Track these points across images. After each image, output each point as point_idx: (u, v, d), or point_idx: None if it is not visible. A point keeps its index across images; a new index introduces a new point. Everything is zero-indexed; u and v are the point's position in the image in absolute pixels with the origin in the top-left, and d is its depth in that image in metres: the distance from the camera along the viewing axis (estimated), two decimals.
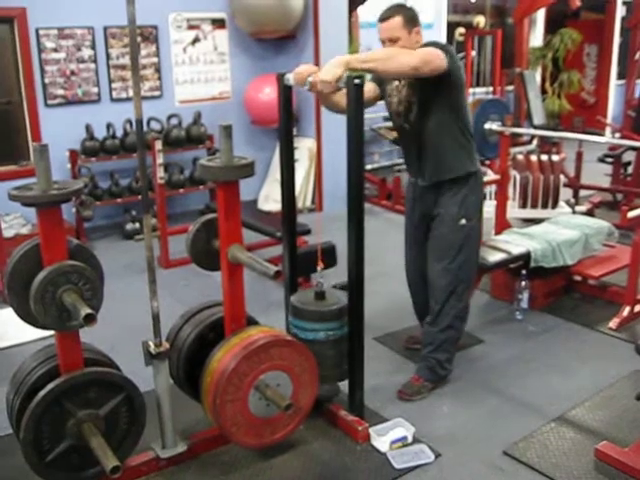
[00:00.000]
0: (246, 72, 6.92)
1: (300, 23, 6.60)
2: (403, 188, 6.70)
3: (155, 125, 6.21)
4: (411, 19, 3.06)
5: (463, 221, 3.20)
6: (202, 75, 6.78)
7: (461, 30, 9.33)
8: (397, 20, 3.03)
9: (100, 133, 5.98)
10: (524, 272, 4.19)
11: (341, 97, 2.94)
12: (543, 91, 10.04)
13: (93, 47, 6.11)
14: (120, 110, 6.13)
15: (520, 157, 6.20)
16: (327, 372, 2.97)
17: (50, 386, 2.39)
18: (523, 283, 4.20)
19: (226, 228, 2.66)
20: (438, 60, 2.88)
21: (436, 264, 3.26)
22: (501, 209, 4.91)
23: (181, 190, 6.40)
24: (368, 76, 3.01)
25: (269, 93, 6.37)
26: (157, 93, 6.54)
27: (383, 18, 3.07)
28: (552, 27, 10.48)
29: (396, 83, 3.20)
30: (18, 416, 2.46)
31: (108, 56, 6.21)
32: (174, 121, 6.34)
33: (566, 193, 6.41)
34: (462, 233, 3.21)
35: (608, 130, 9.62)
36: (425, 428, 3.04)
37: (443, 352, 3.35)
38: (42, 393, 2.37)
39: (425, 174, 3.26)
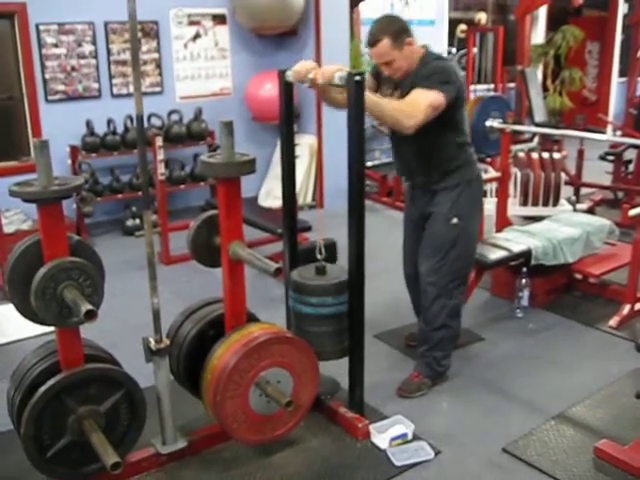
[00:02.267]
0: (247, 68, 6.91)
1: (301, 19, 6.59)
2: (403, 185, 6.70)
3: (156, 121, 6.20)
4: (398, 34, 3.00)
5: (455, 220, 3.20)
6: (203, 71, 6.77)
7: (463, 27, 9.30)
8: (385, 43, 2.99)
9: (101, 129, 5.98)
10: (525, 270, 4.19)
11: (341, 93, 2.94)
12: (544, 88, 10.02)
13: (94, 43, 6.10)
14: (121, 106, 6.12)
15: (521, 154, 6.19)
16: (327, 348, 2.97)
17: (51, 382, 2.39)
18: (524, 281, 4.19)
19: (227, 225, 2.66)
20: (437, 110, 2.91)
21: (426, 262, 3.27)
22: (502, 206, 4.91)
23: (182, 186, 6.40)
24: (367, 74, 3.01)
25: (270, 89, 6.35)
26: (158, 89, 6.53)
27: (370, 43, 3.04)
28: (554, 24, 10.45)
29: (390, 91, 3.19)
30: (19, 412, 2.46)
31: (109, 52, 6.20)
32: (175, 117, 6.33)
33: (567, 191, 6.40)
34: (453, 232, 3.21)
35: (609, 128, 9.60)
36: (425, 425, 3.05)
37: (439, 350, 3.36)
38: (43, 389, 2.38)
39: (419, 180, 3.30)
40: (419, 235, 3.38)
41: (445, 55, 3.27)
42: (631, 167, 6.92)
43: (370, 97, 2.80)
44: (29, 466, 2.45)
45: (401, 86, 3.11)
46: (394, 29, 3.01)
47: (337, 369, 3.18)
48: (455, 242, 3.21)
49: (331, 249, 4.18)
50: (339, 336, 2.98)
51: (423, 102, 2.87)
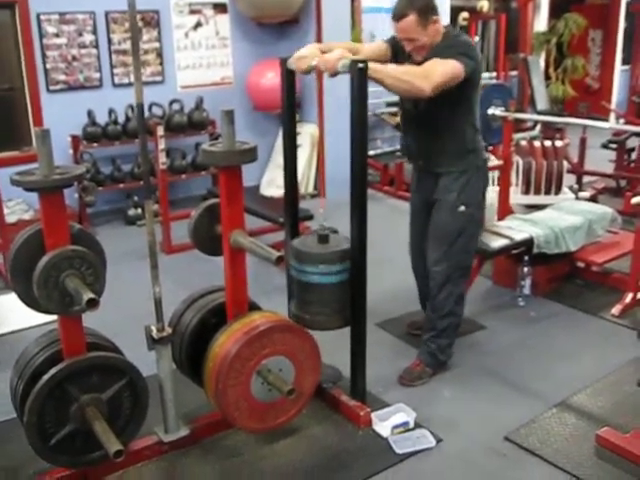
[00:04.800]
0: (248, 57, 6.89)
1: (302, 7, 6.56)
2: (406, 174, 6.68)
3: (157, 110, 6.19)
4: (425, 12, 2.95)
5: (462, 208, 3.18)
6: (204, 60, 6.76)
7: (465, 15, 9.25)
8: (410, 19, 2.93)
9: (102, 118, 5.97)
10: (527, 258, 4.19)
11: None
12: (547, 76, 9.98)
13: (94, 32, 6.08)
14: (122, 95, 6.10)
15: (523, 143, 6.17)
16: (330, 317, 2.97)
17: (53, 370, 2.40)
18: (525, 269, 4.19)
19: (228, 213, 2.66)
20: (455, 79, 2.84)
21: (434, 250, 3.26)
22: (504, 195, 4.90)
23: (183, 176, 6.39)
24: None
25: (271, 78, 6.34)
26: (159, 78, 6.52)
27: (396, 16, 2.96)
28: (556, 12, 10.40)
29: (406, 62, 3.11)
30: (22, 400, 2.47)
31: (110, 41, 6.18)
32: (176, 106, 6.32)
33: (569, 179, 6.39)
34: (461, 220, 3.20)
35: (612, 116, 9.57)
36: (427, 413, 3.06)
37: (445, 338, 3.36)
38: (45, 377, 2.38)
39: (425, 159, 3.25)
40: (423, 221, 3.38)
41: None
42: (634, 155, 6.91)
43: (377, 66, 2.73)
44: (32, 454, 2.46)
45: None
46: (422, 5, 2.95)
47: (339, 357, 3.19)
48: (462, 230, 3.20)
49: None
50: (340, 305, 2.97)
51: (440, 67, 2.81)
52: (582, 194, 6.09)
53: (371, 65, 2.70)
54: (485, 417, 3.07)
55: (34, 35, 5.80)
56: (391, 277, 4.40)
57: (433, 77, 2.77)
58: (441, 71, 2.80)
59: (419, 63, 2.97)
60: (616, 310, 4.04)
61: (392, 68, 2.83)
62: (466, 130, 3.15)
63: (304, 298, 3.00)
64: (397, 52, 3.17)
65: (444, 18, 8.62)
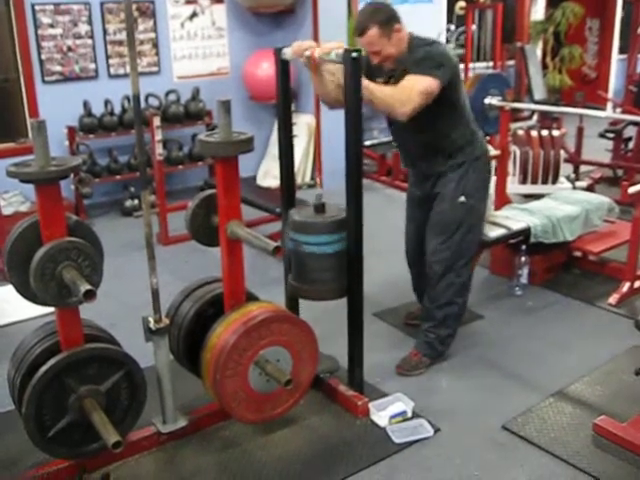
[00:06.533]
0: (244, 47, 6.85)
1: None
2: (402, 164, 6.67)
3: (153, 101, 6.16)
4: (386, 22, 2.98)
5: (462, 198, 3.19)
6: (200, 50, 6.72)
7: (461, 4, 9.21)
8: (372, 33, 2.96)
9: (98, 110, 5.95)
10: (524, 248, 4.19)
11: (340, 92, 2.91)
12: (544, 66, 9.95)
13: (90, 23, 6.04)
14: (118, 86, 6.07)
15: (520, 132, 6.16)
16: (326, 287, 2.96)
17: (51, 362, 2.40)
18: (523, 259, 4.20)
19: (225, 204, 2.65)
20: (431, 95, 2.89)
21: (434, 240, 3.26)
22: (501, 185, 4.90)
23: (180, 166, 6.38)
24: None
25: (267, 68, 6.30)
26: (155, 69, 6.49)
27: (359, 31, 3.01)
28: (554, 1, 10.36)
29: (382, 82, 3.10)
30: (20, 392, 2.47)
31: (105, 32, 6.14)
32: (172, 97, 6.30)
33: (566, 169, 6.38)
34: (461, 211, 3.20)
35: (609, 105, 9.55)
36: (424, 403, 3.06)
37: (445, 328, 3.36)
38: (43, 369, 2.38)
39: (424, 166, 3.29)
40: (421, 215, 3.38)
41: (434, 38, 3.21)
42: (631, 144, 6.90)
43: (365, 82, 2.78)
44: (31, 446, 2.46)
45: (395, 75, 3.07)
46: (381, 17, 2.98)
47: (336, 347, 3.20)
48: (462, 221, 3.21)
49: None
50: (337, 274, 2.95)
51: (416, 88, 2.86)
52: (579, 183, 6.09)
53: (364, 82, 2.76)
54: (483, 406, 3.08)
55: (29, 26, 5.75)
56: (388, 267, 4.39)
57: (411, 102, 2.85)
58: (418, 92, 2.86)
59: (389, 75, 3.07)
60: (613, 299, 4.05)
61: (379, 89, 2.89)
62: (456, 128, 3.17)
63: (301, 268, 2.98)
64: (371, 71, 3.14)
65: (441, 8, 8.63)
